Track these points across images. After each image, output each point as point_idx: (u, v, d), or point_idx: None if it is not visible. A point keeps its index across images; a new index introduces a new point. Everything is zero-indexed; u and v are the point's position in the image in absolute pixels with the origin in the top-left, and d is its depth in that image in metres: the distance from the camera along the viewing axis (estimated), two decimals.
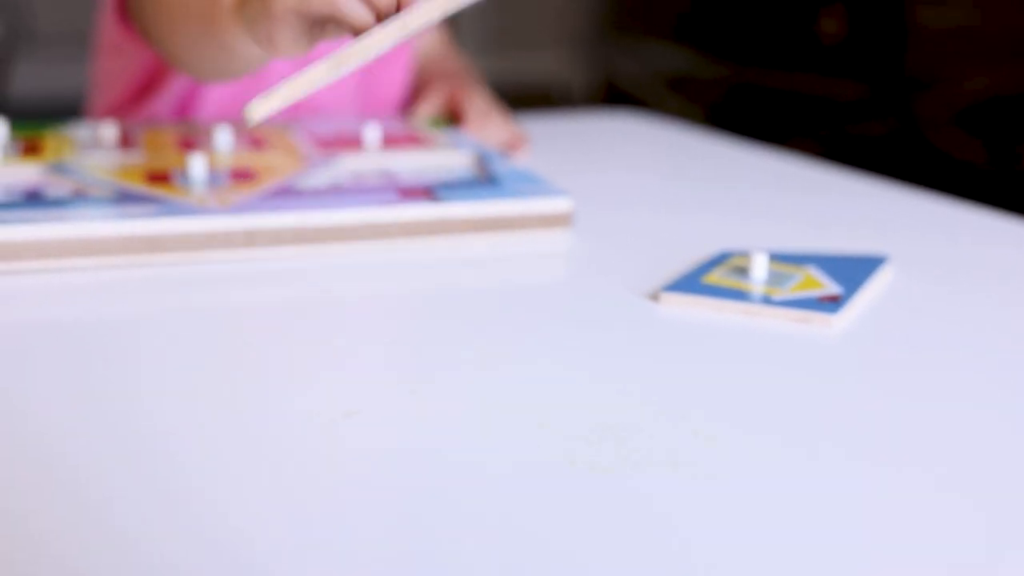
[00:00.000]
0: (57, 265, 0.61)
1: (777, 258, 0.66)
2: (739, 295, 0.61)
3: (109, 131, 0.81)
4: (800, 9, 3.58)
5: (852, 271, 0.65)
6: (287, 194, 0.69)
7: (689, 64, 3.99)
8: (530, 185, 0.73)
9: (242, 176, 0.72)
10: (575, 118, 1.16)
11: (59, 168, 0.73)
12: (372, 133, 0.83)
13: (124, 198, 0.66)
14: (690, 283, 0.62)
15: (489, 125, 0.91)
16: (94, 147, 0.79)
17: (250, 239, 0.64)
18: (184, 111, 0.95)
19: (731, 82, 3.82)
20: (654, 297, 0.61)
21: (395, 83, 1.03)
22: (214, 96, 0.94)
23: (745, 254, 0.66)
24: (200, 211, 0.64)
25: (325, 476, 0.41)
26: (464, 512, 0.39)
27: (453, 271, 0.65)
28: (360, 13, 0.59)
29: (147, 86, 0.94)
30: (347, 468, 0.42)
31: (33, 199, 0.67)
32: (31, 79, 2.80)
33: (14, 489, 0.39)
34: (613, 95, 4.18)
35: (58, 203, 0.65)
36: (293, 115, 0.95)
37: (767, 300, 0.60)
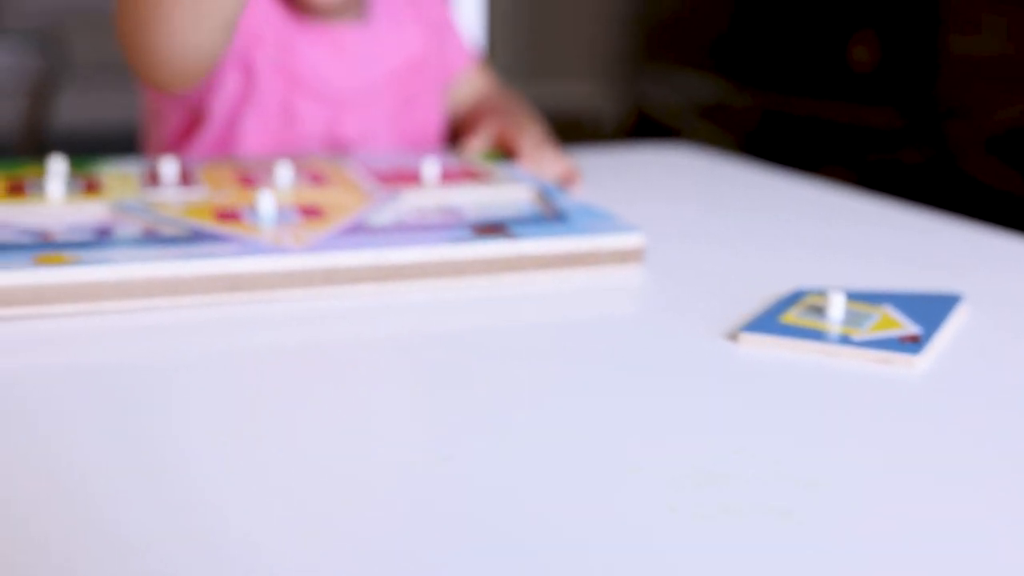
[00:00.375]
0: (138, 305, 0.61)
1: (852, 297, 0.65)
2: (817, 335, 0.60)
3: (169, 168, 0.81)
4: (832, 37, 3.59)
5: (929, 310, 0.64)
6: (359, 231, 0.69)
7: (720, 92, 4.00)
8: (600, 220, 0.73)
9: (311, 213, 0.72)
10: (623, 151, 1.16)
11: (125, 206, 0.73)
12: (431, 168, 0.83)
13: (198, 237, 0.66)
14: (768, 323, 0.62)
15: (543, 159, 0.91)
16: (154, 184, 0.79)
17: (328, 277, 0.64)
18: (224, 148, 0.96)
19: (762, 110, 3.82)
20: (732, 337, 0.61)
21: (428, 122, 1.04)
22: (251, 135, 0.95)
23: (820, 292, 0.66)
24: (278, 250, 0.64)
25: (419, 523, 0.41)
26: (567, 561, 0.38)
27: (528, 308, 0.65)
28: None
29: (190, 125, 0.95)
30: (442, 515, 0.42)
31: (105, 238, 0.67)
32: (69, 110, 2.82)
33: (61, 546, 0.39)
34: (644, 124, 4.18)
35: (133, 242, 0.65)
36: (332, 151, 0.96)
37: (846, 340, 0.60)
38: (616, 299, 0.68)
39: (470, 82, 1.11)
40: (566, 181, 0.91)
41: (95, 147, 3.60)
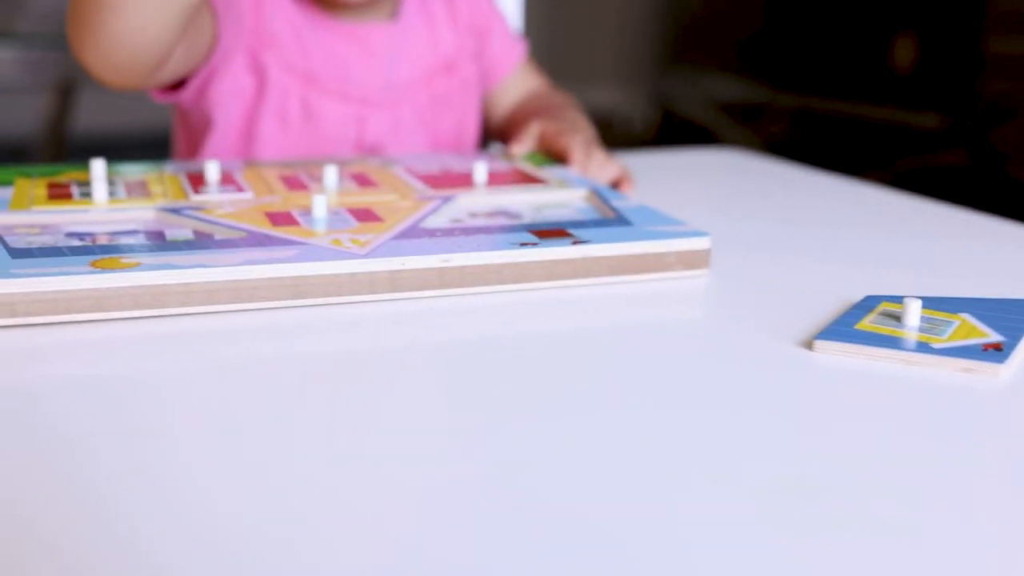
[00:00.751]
0: (199, 310, 0.60)
1: (928, 303, 0.64)
2: (895, 343, 0.59)
3: (213, 170, 0.79)
4: (872, 38, 3.56)
5: (1009, 317, 0.63)
6: (417, 235, 0.67)
7: (750, 94, 3.98)
8: (664, 224, 0.71)
9: (365, 216, 0.71)
10: (667, 154, 1.15)
11: (173, 210, 0.71)
12: (481, 170, 0.82)
13: (255, 241, 0.64)
14: (843, 330, 0.60)
15: (593, 162, 0.90)
16: (197, 187, 0.77)
17: (393, 281, 0.62)
18: (242, 153, 0.94)
19: (794, 112, 3.80)
20: (807, 344, 0.59)
21: (460, 123, 1.02)
22: (268, 139, 0.94)
23: (893, 300, 0.65)
24: (341, 254, 0.62)
25: (483, 536, 0.39)
26: (656, 571, 0.37)
27: (593, 312, 0.64)
28: None
29: (200, 132, 0.94)
30: (508, 528, 0.40)
31: (158, 242, 0.65)
32: (87, 114, 2.80)
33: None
34: (670, 126, 4.17)
35: (188, 247, 0.63)
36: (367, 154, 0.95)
37: (925, 348, 0.58)
38: (682, 304, 0.67)
39: (519, 83, 1.09)
40: (618, 184, 0.90)
41: (112, 149, 3.59)
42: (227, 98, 0.92)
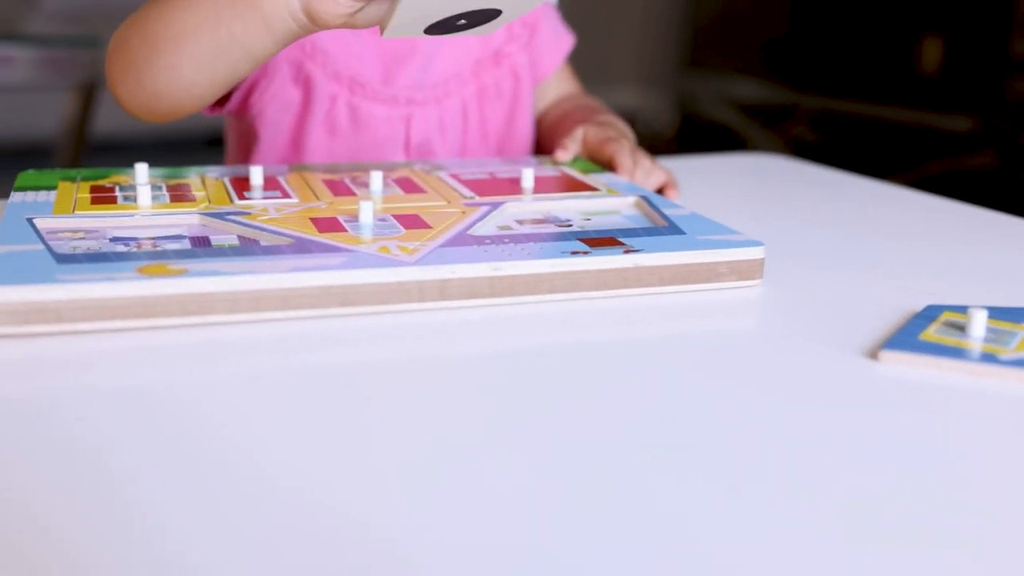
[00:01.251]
0: (247, 318, 0.59)
1: (991, 313, 0.62)
2: (961, 353, 0.57)
3: (257, 174, 0.79)
4: (898, 40, 3.54)
5: None
6: (466, 243, 0.66)
7: (772, 96, 3.96)
8: (717, 233, 0.70)
9: (412, 223, 0.70)
10: (705, 159, 1.13)
11: (218, 215, 0.70)
12: (529, 176, 0.81)
13: (302, 248, 0.63)
14: (908, 341, 0.59)
15: (640, 168, 0.88)
16: (241, 192, 0.76)
17: (443, 290, 0.61)
18: (291, 161, 0.94)
19: (817, 114, 3.78)
20: (871, 355, 0.58)
21: (510, 117, 1.00)
22: (316, 146, 0.92)
23: (955, 309, 0.63)
24: (390, 262, 0.61)
25: (554, 540, 0.38)
26: None
27: (647, 321, 0.62)
28: None
29: (247, 142, 0.93)
30: (566, 539, 0.39)
31: (204, 248, 0.64)
32: (106, 114, 2.81)
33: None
34: (693, 128, 4.15)
35: (235, 253, 0.62)
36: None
37: (992, 359, 0.57)
38: (737, 315, 0.65)
39: (558, 82, 1.07)
40: (664, 190, 0.88)
41: (131, 150, 3.60)
42: (274, 110, 0.91)
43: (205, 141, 4.01)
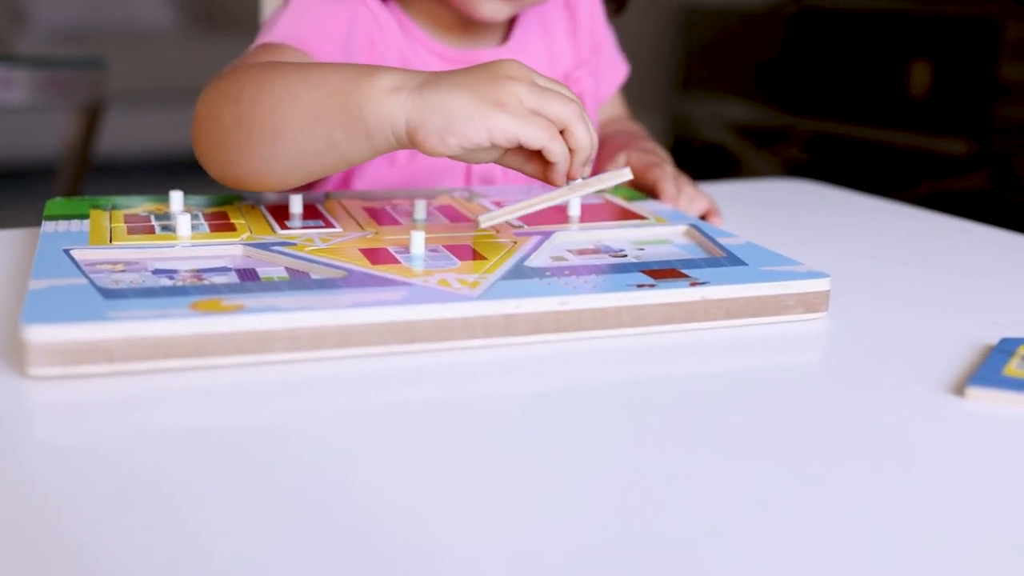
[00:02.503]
0: (308, 356, 0.56)
1: None
2: None
3: (296, 203, 0.76)
4: (888, 64, 3.56)
5: None
6: (526, 275, 0.63)
7: (766, 118, 3.97)
8: (780, 263, 0.67)
9: (467, 254, 0.67)
10: (740, 185, 1.11)
11: (263, 245, 0.68)
12: (575, 204, 0.78)
13: (358, 282, 0.61)
14: (993, 377, 0.57)
15: (684, 196, 0.86)
16: (282, 221, 0.73)
17: (508, 326, 0.59)
18: (346, 186, 0.91)
19: (810, 136, 3.78)
20: (956, 391, 0.55)
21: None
22: (373, 172, 0.89)
23: None
24: (453, 296, 0.59)
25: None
26: None
27: (720, 355, 0.60)
28: (561, 153, 0.65)
29: None
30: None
31: (255, 282, 0.62)
32: (105, 135, 2.78)
33: None
34: (687, 149, 4.14)
35: (288, 287, 0.60)
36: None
37: None
38: (809, 348, 0.63)
39: (611, 106, 1.05)
40: (707, 217, 0.86)
41: (131, 171, 3.57)
42: None
43: (194, 162, 3.99)
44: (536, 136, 0.64)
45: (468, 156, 0.66)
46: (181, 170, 3.89)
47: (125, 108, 3.35)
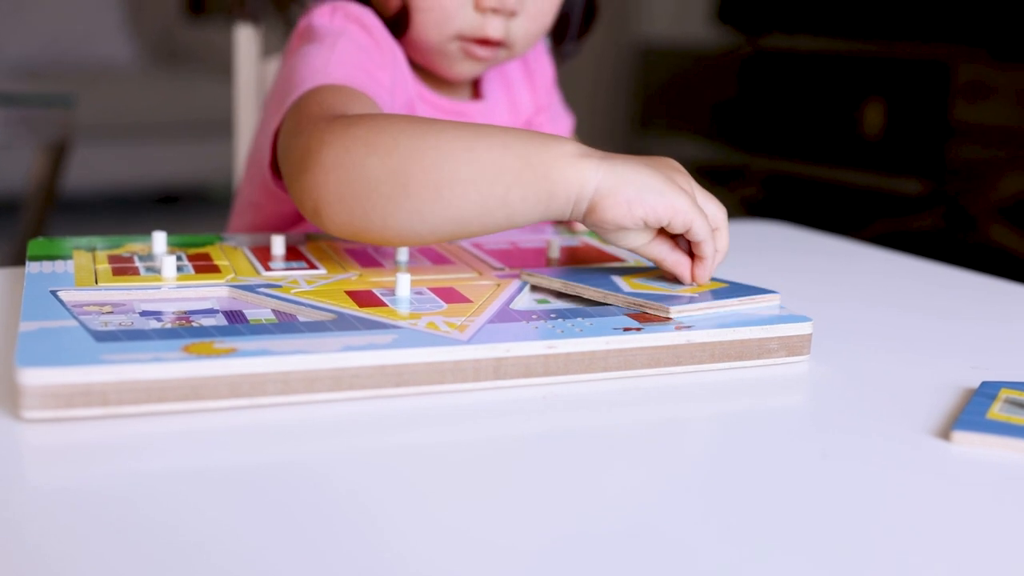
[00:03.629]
0: (299, 399, 0.56)
1: None
2: None
3: (279, 244, 0.76)
4: (839, 103, 3.61)
5: None
6: (512, 318, 0.64)
7: (721, 157, 4.01)
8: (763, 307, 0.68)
9: (452, 297, 0.68)
10: None
11: (248, 287, 0.68)
12: (555, 247, 0.79)
13: (347, 325, 0.61)
14: (977, 420, 0.58)
15: None
16: (265, 262, 0.74)
17: (498, 369, 0.59)
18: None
19: (766, 176, 3.82)
20: (941, 434, 0.57)
21: None
22: None
23: (1013, 386, 0.63)
24: (444, 340, 0.59)
25: None
26: None
27: (705, 399, 0.61)
28: (711, 252, 0.69)
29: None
30: None
31: (243, 324, 0.62)
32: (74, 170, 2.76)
33: None
34: None
35: (278, 329, 0.60)
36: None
37: None
38: (793, 391, 0.64)
39: None
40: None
41: (81, 208, 3.55)
42: None
43: (156, 199, 3.98)
44: (703, 229, 0.67)
45: (620, 237, 0.68)
46: (142, 207, 3.89)
47: (86, 144, 3.34)
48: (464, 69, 0.91)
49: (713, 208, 0.69)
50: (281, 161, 0.74)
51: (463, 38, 0.87)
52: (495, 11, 0.86)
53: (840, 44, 3.66)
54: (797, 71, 3.78)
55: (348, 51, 0.83)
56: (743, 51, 3.97)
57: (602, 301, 0.68)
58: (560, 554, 0.43)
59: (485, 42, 0.88)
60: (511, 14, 0.86)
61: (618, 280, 0.71)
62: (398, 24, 0.88)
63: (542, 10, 0.89)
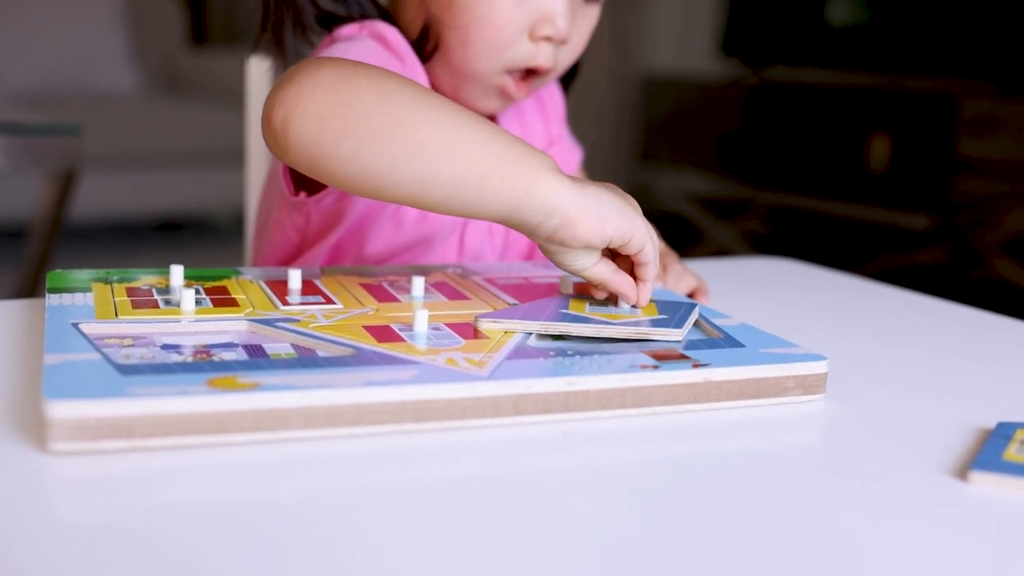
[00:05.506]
0: (321, 434, 0.57)
1: None
2: None
3: (295, 278, 0.77)
4: (845, 137, 3.62)
5: None
6: (530, 355, 0.65)
7: (726, 190, 4.02)
8: (777, 346, 0.69)
9: (469, 333, 0.68)
10: (718, 263, 1.13)
11: (267, 322, 0.69)
12: (568, 284, 0.80)
13: (366, 360, 0.62)
14: (994, 461, 0.58)
15: (671, 273, 0.88)
16: (282, 295, 0.74)
17: (517, 405, 0.60)
18: (349, 251, 0.92)
19: (771, 209, 3.83)
20: (959, 475, 0.57)
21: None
22: (381, 239, 0.90)
23: None
24: (464, 376, 0.60)
25: None
26: None
27: (721, 437, 0.62)
28: (655, 276, 0.73)
29: (321, 229, 0.90)
30: None
31: (263, 358, 0.63)
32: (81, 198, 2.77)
33: None
34: (648, 220, 4.18)
35: (300, 364, 0.61)
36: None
37: None
38: (808, 429, 0.65)
39: None
40: (694, 296, 0.88)
41: (82, 236, 3.56)
42: (354, 202, 0.89)
43: (155, 227, 3.99)
44: (651, 252, 0.71)
45: (573, 257, 0.71)
46: (145, 236, 3.90)
47: (89, 172, 3.35)
48: (492, 104, 0.91)
49: (657, 241, 0.73)
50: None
51: (511, 69, 0.88)
52: (548, 39, 0.86)
53: (846, 77, 3.67)
54: (802, 104, 3.79)
55: (366, 55, 0.83)
56: (747, 83, 3.99)
57: (596, 336, 0.69)
58: None
59: (528, 74, 0.88)
60: (562, 42, 0.87)
61: (563, 307, 0.74)
62: (429, 46, 0.88)
63: (582, 40, 0.90)
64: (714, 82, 4.14)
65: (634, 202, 0.72)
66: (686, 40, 4.42)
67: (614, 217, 0.68)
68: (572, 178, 0.69)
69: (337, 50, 0.83)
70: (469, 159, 0.67)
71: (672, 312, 0.74)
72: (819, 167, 3.73)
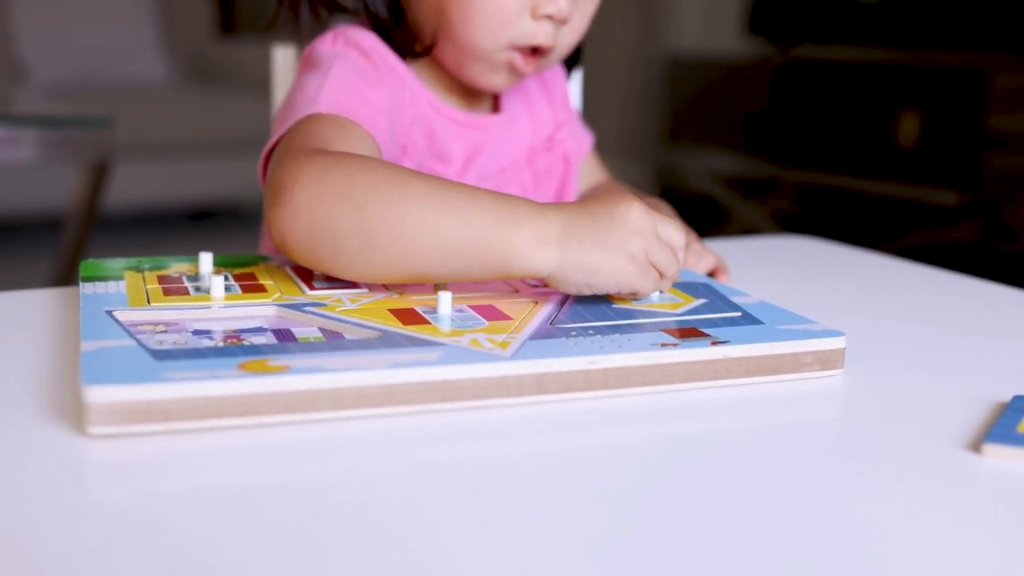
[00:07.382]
0: (350, 414, 0.58)
1: None
2: None
3: None
4: (874, 114, 3.60)
5: None
6: (553, 335, 0.66)
7: (753, 169, 4.01)
8: (795, 322, 0.70)
9: (492, 315, 0.70)
10: (740, 242, 1.14)
11: (295, 306, 0.70)
12: None
13: (392, 342, 0.63)
14: (1008, 434, 0.59)
15: (691, 252, 0.89)
16: (308, 281, 0.76)
17: (540, 384, 0.61)
18: None
19: (799, 188, 3.82)
20: (972, 447, 0.58)
21: (562, 197, 1.02)
22: None
23: None
24: (488, 356, 0.61)
25: None
26: None
27: (741, 413, 0.63)
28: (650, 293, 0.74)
29: None
30: None
31: (292, 342, 0.64)
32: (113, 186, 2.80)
33: None
34: (675, 200, 4.18)
35: (327, 347, 0.62)
36: None
37: None
38: (826, 404, 0.66)
39: (589, 172, 1.09)
40: (714, 275, 0.89)
41: (113, 225, 3.60)
42: None
43: (187, 216, 4.03)
44: (645, 288, 0.72)
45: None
46: (177, 224, 3.94)
47: (120, 162, 3.39)
48: (498, 80, 0.93)
49: (668, 260, 0.72)
50: (264, 186, 0.78)
51: (514, 47, 0.89)
52: (550, 18, 0.88)
53: (874, 53, 3.66)
54: (830, 81, 3.78)
55: (342, 75, 0.85)
56: (774, 62, 3.98)
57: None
58: (601, 566, 0.45)
59: (534, 51, 0.90)
60: (563, 22, 0.88)
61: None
62: (434, 22, 0.90)
63: (584, 22, 0.91)
64: (741, 61, 4.13)
65: (641, 219, 0.71)
66: (712, 20, 4.41)
67: (596, 282, 0.71)
68: (560, 238, 0.70)
69: (315, 76, 0.86)
70: (447, 255, 0.70)
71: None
72: (848, 145, 3.72)
